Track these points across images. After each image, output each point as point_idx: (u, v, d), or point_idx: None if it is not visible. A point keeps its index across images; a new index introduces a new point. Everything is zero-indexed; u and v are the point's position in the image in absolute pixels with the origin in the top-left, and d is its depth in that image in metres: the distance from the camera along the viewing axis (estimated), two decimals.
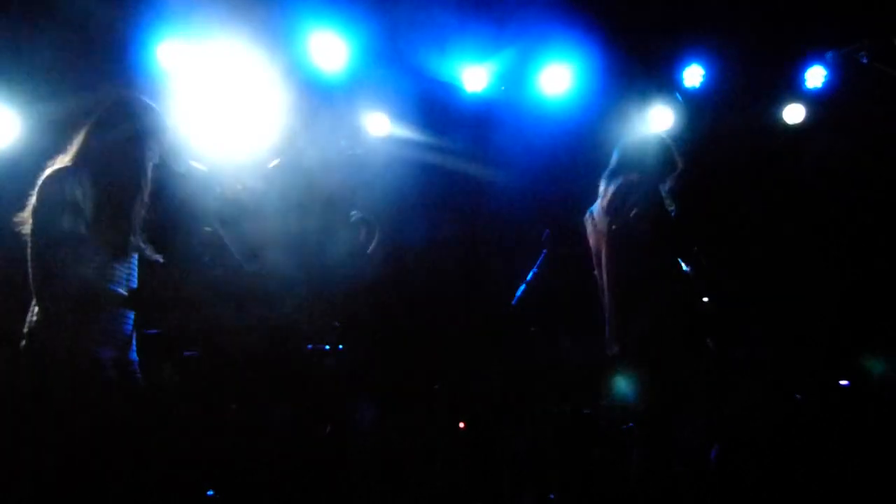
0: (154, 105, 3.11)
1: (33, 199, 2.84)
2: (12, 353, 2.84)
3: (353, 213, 3.89)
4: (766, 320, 5.44)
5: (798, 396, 5.29)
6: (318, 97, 5.25)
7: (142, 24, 4.77)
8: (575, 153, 5.69)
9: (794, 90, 6.31)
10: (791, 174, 6.27)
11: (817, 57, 6.07)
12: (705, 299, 3.85)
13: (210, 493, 3.89)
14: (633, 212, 3.53)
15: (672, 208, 3.73)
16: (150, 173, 3.04)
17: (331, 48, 5.24)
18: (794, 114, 6.37)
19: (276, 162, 3.83)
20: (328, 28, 5.22)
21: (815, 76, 6.20)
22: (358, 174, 4.01)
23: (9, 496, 2.88)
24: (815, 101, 6.31)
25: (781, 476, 4.73)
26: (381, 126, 5.73)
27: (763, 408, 5.01)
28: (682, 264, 3.72)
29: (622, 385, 4.76)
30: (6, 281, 3.26)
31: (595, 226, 3.77)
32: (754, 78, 6.22)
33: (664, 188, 3.77)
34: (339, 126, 5.05)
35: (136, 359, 3.04)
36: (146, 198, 3.01)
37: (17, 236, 2.89)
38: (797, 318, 5.67)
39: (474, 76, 5.69)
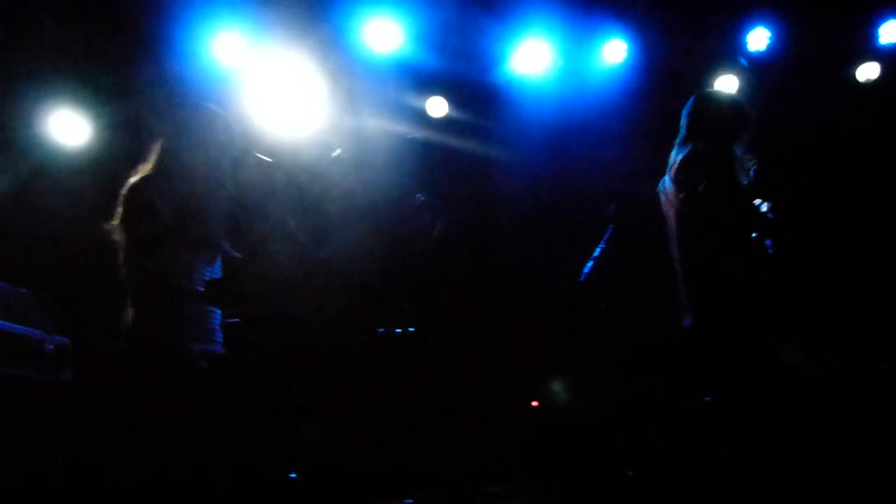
0: (222, 111, 3.26)
1: (119, 208, 3.03)
2: (111, 353, 2.99)
3: (418, 196, 3.91)
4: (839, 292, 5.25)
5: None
6: (375, 84, 5.27)
7: (197, 17, 4.86)
8: (641, 124, 5.58)
9: (867, 47, 6.03)
10: (867, 136, 6.01)
11: (891, 10, 5.79)
12: (779, 272, 3.71)
13: (293, 475, 4.00)
14: (701, 180, 3.42)
15: (747, 173, 3.60)
16: (226, 176, 3.19)
17: (385, 33, 5.24)
18: (868, 72, 6.10)
19: (338, 152, 3.88)
20: (382, 13, 5.22)
21: (891, 31, 5.92)
22: (420, 160, 4.02)
23: (112, 486, 3.04)
24: (890, 58, 6.03)
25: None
26: (439, 109, 5.72)
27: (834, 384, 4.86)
28: (758, 234, 3.59)
29: (695, 358, 4.69)
30: (101, 283, 3.42)
31: (667, 197, 3.68)
32: (823, 37, 5.96)
33: (738, 152, 3.64)
34: (397, 113, 5.09)
35: (221, 351, 3.18)
36: (225, 201, 3.14)
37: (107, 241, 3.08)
38: (871, 292, 5.46)
39: (531, 55, 5.62)
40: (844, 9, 5.86)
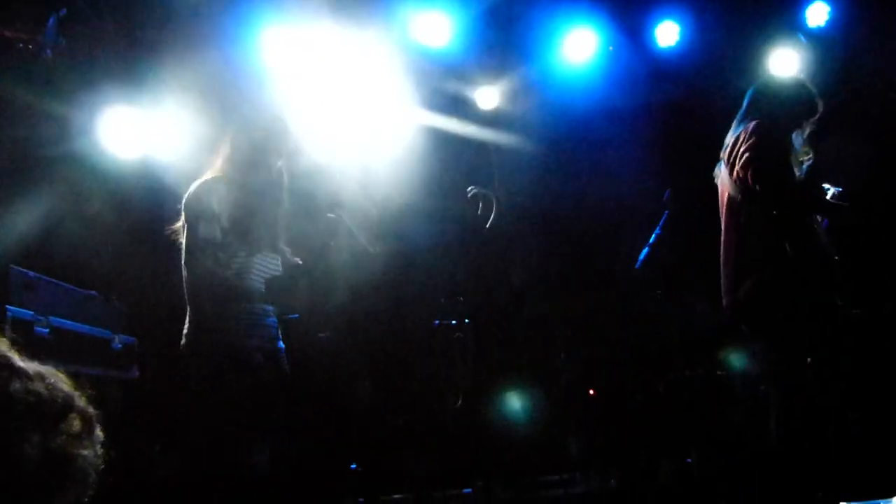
0: (280, 116, 3.33)
1: (181, 213, 3.14)
2: (175, 351, 3.10)
3: (469, 188, 3.91)
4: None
5: None
6: (425, 78, 5.28)
7: (246, 17, 4.92)
8: (694, 107, 5.47)
9: None
10: None
11: None
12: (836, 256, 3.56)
13: (353, 466, 4.07)
14: (747, 158, 3.29)
15: (809, 158, 3.49)
16: (278, 174, 3.25)
17: (435, 26, 5.24)
18: None
19: (388, 147, 3.91)
20: (431, 7, 5.22)
21: None
22: (472, 154, 4.03)
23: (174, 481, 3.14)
24: None
25: None
26: (491, 100, 5.70)
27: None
28: (816, 217, 3.46)
29: (747, 347, 4.59)
30: (167, 284, 3.54)
31: (720, 180, 3.59)
32: (887, 10, 5.73)
33: (802, 134, 3.52)
34: (448, 105, 5.09)
35: (283, 346, 3.25)
36: (280, 200, 3.22)
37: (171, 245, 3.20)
38: None
39: (581, 44, 5.56)
40: None
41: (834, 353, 3.33)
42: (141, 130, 5.07)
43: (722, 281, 3.51)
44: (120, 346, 4.40)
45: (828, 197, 3.51)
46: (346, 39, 4.92)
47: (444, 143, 5.15)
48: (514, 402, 4.93)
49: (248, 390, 3.00)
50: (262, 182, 3.23)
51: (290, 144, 3.31)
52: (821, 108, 3.52)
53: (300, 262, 3.31)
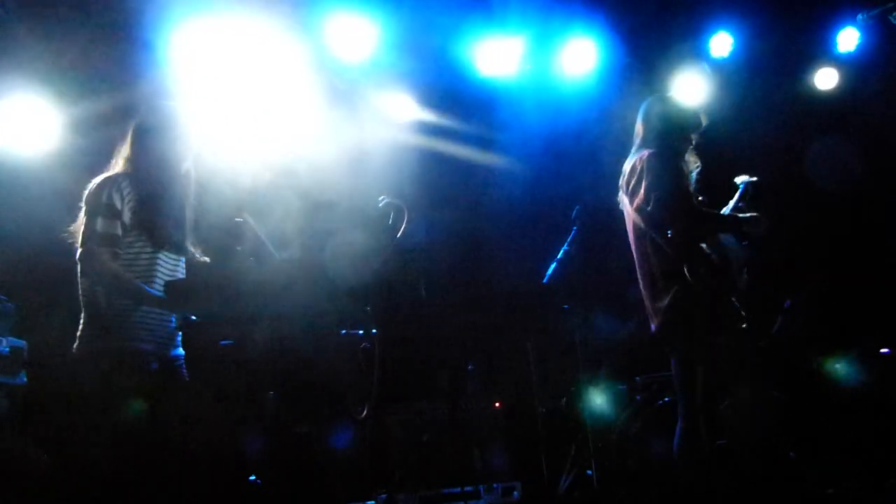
0: (180, 107, 3.26)
1: (82, 207, 3.04)
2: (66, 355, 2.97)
3: (381, 198, 3.90)
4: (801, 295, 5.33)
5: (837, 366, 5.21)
6: (341, 84, 5.25)
7: (161, 14, 4.79)
8: (604, 129, 5.63)
9: (826, 54, 6.17)
10: (825, 141, 6.15)
11: (849, 19, 5.91)
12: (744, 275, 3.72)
13: (252, 478, 3.97)
14: (644, 189, 3.43)
15: (697, 166, 3.62)
16: (185, 173, 3.17)
17: (353, 33, 5.20)
18: (826, 79, 6.23)
19: (301, 152, 3.86)
20: (350, 11, 5.18)
21: (848, 39, 6.04)
22: (384, 163, 4.02)
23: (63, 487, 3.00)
24: (848, 65, 6.16)
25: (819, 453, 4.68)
26: (407, 111, 5.71)
27: (796, 384, 4.95)
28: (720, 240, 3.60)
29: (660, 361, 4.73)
30: (60, 285, 3.40)
31: (623, 206, 3.71)
32: (784, 44, 6.08)
33: (691, 146, 3.65)
34: (364, 115, 5.07)
35: (182, 353, 3.15)
36: (186, 198, 3.14)
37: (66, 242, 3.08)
38: (834, 294, 5.56)
39: (497, 58, 5.62)
40: (805, 16, 5.98)
41: (734, 369, 3.47)
42: (35, 123, 4.87)
43: (646, 307, 3.63)
44: (7, 349, 4.21)
45: (740, 186, 3.67)
46: (260, 37, 4.85)
47: (359, 150, 5.13)
48: (420, 413, 4.95)
49: (140, 399, 2.90)
50: (169, 180, 3.16)
51: (198, 144, 3.24)
52: (704, 120, 3.69)
53: (207, 261, 3.23)
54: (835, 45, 6.08)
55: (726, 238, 3.61)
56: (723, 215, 3.60)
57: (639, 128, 3.73)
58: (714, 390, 3.58)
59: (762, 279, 4.00)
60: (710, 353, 3.40)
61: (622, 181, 3.67)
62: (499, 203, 5.97)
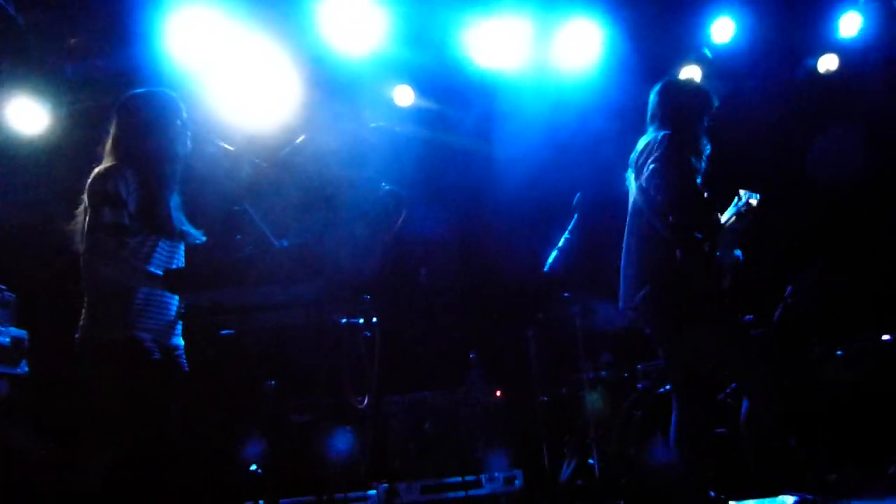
0: (174, 95, 3.26)
1: (84, 197, 3.03)
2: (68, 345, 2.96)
3: (382, 184, 3.88)
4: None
5: (840, 353, 5.20)
6: (338, 74, 5.23)
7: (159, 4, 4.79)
8: (605, 119, 5.61)
9: (827, 40, 6.13)
10: (825, 128, 6.13)
11: (851, 2, 5.86)
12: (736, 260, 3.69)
13: (253, 467, 3.98)
14: (653, 170, 3.40)
15: (700, 156, 3.60)
16: (180, 159, 3.20)
17: (352, 23, 5.18)
18: (828, 64, 6.20)
19: (301, 139, 3.84)
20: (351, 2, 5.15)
21: (850, 24, 6.00)
22: (385, 151, 4.00)
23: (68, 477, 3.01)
24: (849, 50, 6.13)
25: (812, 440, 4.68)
26: (406, 100, 5.70)
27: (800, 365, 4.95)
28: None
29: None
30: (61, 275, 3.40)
31: (630, 183, 3.68)
32: (786, 29, 6.04)
33: (696, 137, 3.63)
34: (363, 102, 5.05)
35: (181, 343, 3.15)
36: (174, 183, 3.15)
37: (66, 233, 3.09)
38: (835, 281, 5.55)
39: (498, 47, 5.59)
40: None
41: (721, 357, 3.45)
42: (37, 114, 4.86)
43: (622, 284, 3.61)
44: (8, 339, 4.21)
45: (741, 202, 3.66)
46: (259, 32, 4.84)
47: (360, 139, 5.11)
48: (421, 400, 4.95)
49: (143, 389, 2.90)
50: (170, 170, 3.16)
51: (189, 126, 3.24)
52: (717, 102, 3.67)
53: (202, 240, 3.24)
54: (836, 29, 6.04)
55: (724, 239, 3.60)
56: (715, 223, 3.54)
57: (654, 109, 3.70)
58: (710, 380, 3.58)
59: (764, 266, 3.98)
60: (695, 340, 3.39)
61: (633, 157, 3.64)
62: (500, 192, 5.96)
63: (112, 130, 3.16)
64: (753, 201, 3.62)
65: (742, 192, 3.71)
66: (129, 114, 3.16)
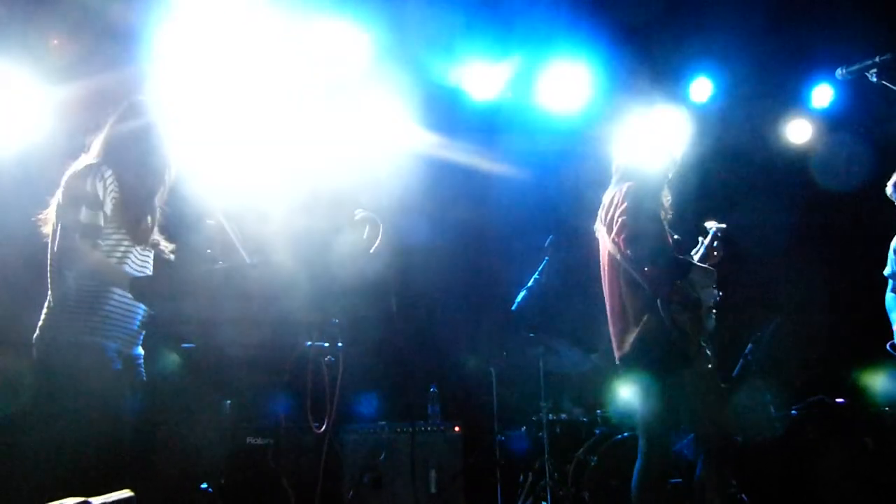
0: (162, 104, 3.24)
1: (57, 196, 2.95)
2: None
3: (357, 211, 3.88)
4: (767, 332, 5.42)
5: (794, 412, 5.30)
6: (326, 93, 5.25)
7: (146, 12, 4.77)
8: (583, 159, 5.69)
9: (800, 108, 6.35)
10: (794, 190, 6.31)
11: (826, 74, 6.09)
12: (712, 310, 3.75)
13: (204, 486, 3.88)
14: (622, 223, 3.48)
15: (668, 200, 3.68)
16: (172, 167, 3.19)
17: (341, 40, 5.23)
18: (799, 132, 6.40)
19: (281, 158, 3.84)
20: (338, 20, 5.20)
21: (822, 95, 6.22)
22: (365, 174, 4.01)
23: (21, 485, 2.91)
24: (821, 119, 6.35)
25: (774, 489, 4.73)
26: (389, 125, 5.72)
27: (758, 421, 5.01)
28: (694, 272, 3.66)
29: (622, 393, 4.76)
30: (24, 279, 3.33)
31: (600, 236, 3.75)
32: (761, 95, 6.25)
33: (661, 190, 3.72)
34: (346, 123, 5.06)
35: (141, 353, 3.09)
36: (165, 193, 3.12)
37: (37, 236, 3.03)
38: (798, 331, 5.68)
39: (482, 81, 5.68)
40: (783, 69, 6.16)
41: (691, 406, 3.49)
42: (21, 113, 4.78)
43: (612, 336, 3.66)
44: None
45: (710, 233, 3.76)
46: (246, 45, 4.84)
47: (341, 162, 5.11)
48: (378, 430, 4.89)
49: (100, 399, 2.82)
50: (151, 176, 3.14)
51: (174, 136, 3.20)
52: (679, 157, 3.77)
53: (172, 258, 3.20)
54: (809, 99, 6.26)
55: (700, 279, 3.66)
56: (684, 265, 3.62)
57: (617, 161, 3.79)
58: (674, 427, 3.62)
59: (727, 322, 4.06)
60: (675, 389, 3.43)
61: (601, 211, 3.72)
62: (475, 226, 5.99)
63: (105, 129, 3.12)
64: (720, 228, 3.74)
65: (708, 224, 3.83)
66: (129, 117, 3.12)
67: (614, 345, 3.65)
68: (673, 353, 3.41)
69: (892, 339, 4.13)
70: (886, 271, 4.25)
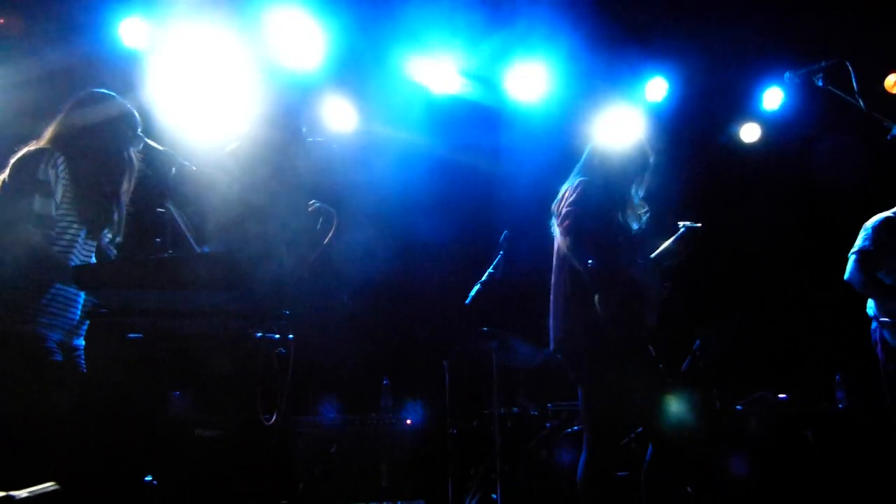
0: (117, 96, 3.20)
1: (5, 178, 2.88)
2: None
3: (311, 202, 3.85)
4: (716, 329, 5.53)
5: (739, 408, 5.41)
6: (284, 84, 5.20)
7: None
8: (541, 154, 5.73)
9: (751, 110, 6.48)
10: (744, 188, 6.45)
11: (776, 77, 6.22)
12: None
13: (148, 478, 3.82)
14: (566, 215, 3.52)
15: (646, 211, 3.74)
16: (132, 157, 3.15)
17: (304, 36, 5.19)
18: (750, 133, 6.54)
19: (233, 146, 3.78)
20: (300, 14, 5.16)
21: (773, 98, 6.36)
22: (322, 164, 3.97)
23: None
24: (771, 121, 6.49)
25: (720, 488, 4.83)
26: (348, 118, 5.70)
27: (702, 418, 5.11)
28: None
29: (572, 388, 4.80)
30: None
31: (554, 229, 3.78)
32: (714, 96, 6.36)
33: (640, 188, 3.77)
34: (303, 113, 5.02)
35: (82, 343, 3.02)
36: (127, 182, 3.06)
37: None
38: (749, 329, 5.80)
39: (445, 76, 5.67)
40: (736, 71, 6.27)
41: (634, 400, 3.54)
42: None
43: (550, 327, 3.69)
44: None
45: (680, 230, 3.81)
46: (205, 35, 4.78)
47: (294, 154, 5.05)
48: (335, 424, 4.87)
49: (40, 391, 2.75)
50: (106, 172, 3.10)
51: (131, 128, 3.17)
52: (651, 162, 3.81)
53: (115, 253, 3.14)
54: (760, 101, 6.39)
55: (647, 275, 3.71)
56: (620, 271, 3.64)
57: (581, 162, 3.84)
58: (620, 422, 3.66)
59: (676, 318, 4.13)
60: (614, 384, 3.48)
61: (554, 205, 3.75)
62: (434, 218, 5.99)
63: (59, 117, 3.06)
64: (690, 227, 3.79)
65: (681, 223, 3.88)
66: (86, 107, 3.07)
67: (551, 336, 3.68)
68: (608, 346, 3.45)
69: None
70: (854, 249, 4.44)
